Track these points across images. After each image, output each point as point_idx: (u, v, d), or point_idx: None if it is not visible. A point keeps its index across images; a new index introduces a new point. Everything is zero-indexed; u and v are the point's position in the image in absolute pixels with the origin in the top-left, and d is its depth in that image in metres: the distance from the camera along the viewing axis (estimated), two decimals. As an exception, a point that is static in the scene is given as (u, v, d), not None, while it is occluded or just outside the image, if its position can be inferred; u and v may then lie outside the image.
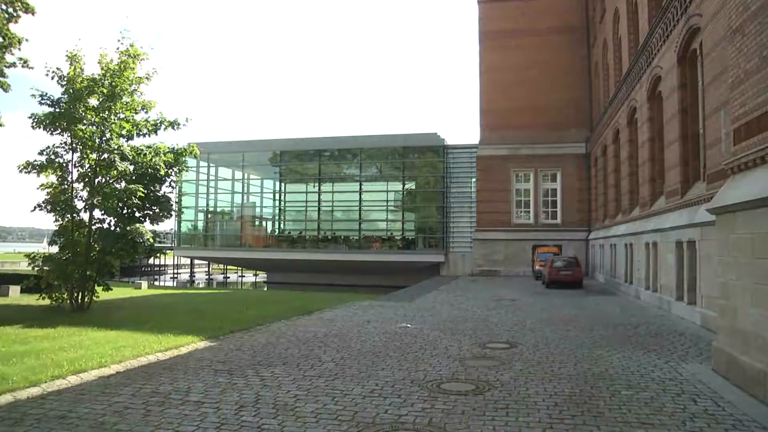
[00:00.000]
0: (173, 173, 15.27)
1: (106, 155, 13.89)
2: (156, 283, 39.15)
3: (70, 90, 13.58)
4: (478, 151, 32.59)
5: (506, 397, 5.87)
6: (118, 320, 11.72)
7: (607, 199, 25.02)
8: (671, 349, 8.74)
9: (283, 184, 40.14)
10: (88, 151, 13.94)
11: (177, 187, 19.39)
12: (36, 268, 14.06)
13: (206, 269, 45.97)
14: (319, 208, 37.46)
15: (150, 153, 14.56)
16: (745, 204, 6.17)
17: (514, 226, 31.30)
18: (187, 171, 18.81)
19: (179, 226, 39.51)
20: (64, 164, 14.08)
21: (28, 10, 14.01)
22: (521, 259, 30.51)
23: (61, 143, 14.01)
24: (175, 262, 49.56)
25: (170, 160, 14.83)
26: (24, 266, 19.88)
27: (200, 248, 39.66)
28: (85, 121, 13.67)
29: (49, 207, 14.04)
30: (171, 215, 16.23)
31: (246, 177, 39.65)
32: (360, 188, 36.35)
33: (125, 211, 14.26)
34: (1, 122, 14.67)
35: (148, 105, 14.62)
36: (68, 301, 13.66)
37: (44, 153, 13.91)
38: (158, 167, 14.47)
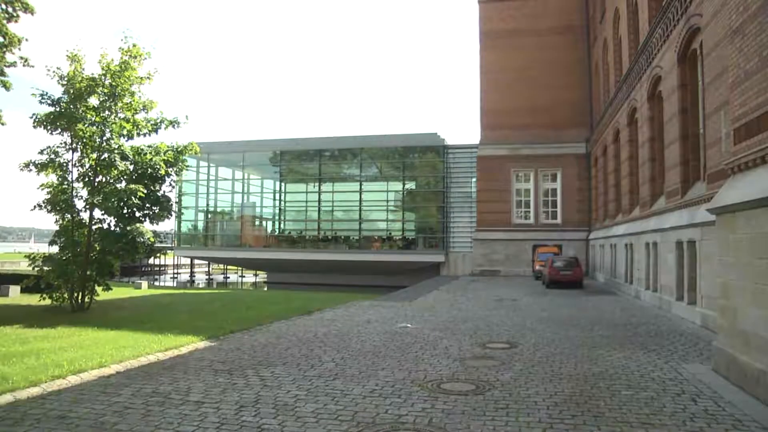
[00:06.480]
0: (173, 172, 15.26)
1: (106, 155, 13.89)
2: (156, 283, 39.09)
3: (71, 90, 13.58)
4: (478, 151, 32.60)
5: (506, 397, 5.87)
6: (118, 320, 11.73)
7: (608, 199, 25.01)
8: (671, 349, 8.74)
9: (283, 184, 40.18)
10: (89, 151, 13.95)
11: (177, 187, 19.39)
12: (36, 268, 14.07)
13: (206, 269, 45.96)
14: (319, 208, 37.48)
15: (150, 152, 14.57)
16: (746, 204, 6.17)
17: (514, 226, 31.31)
18: (187, 170, 18.81)
19: (179, 226, 39.55)
20: (64, 164, 14.09)
21: (28, 9, 14.00)
22: (521, 259, 30.53)
23: (61, 143, 14.04)
24: (175, 262, 49.57)
25: (170, 158, 14.83)
26: (24, 266, 19.87)
27: (200, 248, 39.68)
28: (85, 121, 13.68)
29: (49, 207, 14.04)
30: (171, 215, 16.22)
31: (246, 177, 39.66)
32: (360, 188, 36.36)
33: (125, 211, 14.25)
34: (2, 121, 14.67)
35: (149, 105, 14.62)
36: (68, 301, 13.66)
37: (44, 152, 13.92)
38: (158, 166, 14.48)
